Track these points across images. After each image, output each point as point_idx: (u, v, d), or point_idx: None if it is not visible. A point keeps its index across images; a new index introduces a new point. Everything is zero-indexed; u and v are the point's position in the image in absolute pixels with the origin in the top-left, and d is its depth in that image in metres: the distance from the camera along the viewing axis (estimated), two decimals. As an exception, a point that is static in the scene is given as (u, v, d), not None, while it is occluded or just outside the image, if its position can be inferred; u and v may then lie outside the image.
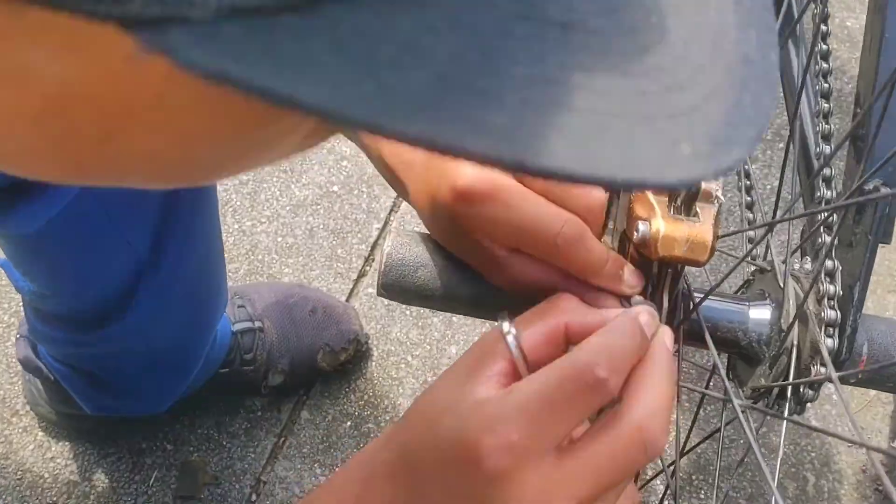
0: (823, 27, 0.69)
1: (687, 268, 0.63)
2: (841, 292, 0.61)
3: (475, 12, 0.20)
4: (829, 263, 0.61)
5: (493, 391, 0.41)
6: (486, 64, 0.20)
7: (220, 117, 0.23)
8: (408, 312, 1.18)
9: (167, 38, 0.18)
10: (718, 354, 0.70)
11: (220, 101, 0.21)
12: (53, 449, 1.07)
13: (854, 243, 0.62)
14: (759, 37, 0.26)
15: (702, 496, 1.06)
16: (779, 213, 0.69)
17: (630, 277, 0.50)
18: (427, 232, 0.56)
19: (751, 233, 0.73)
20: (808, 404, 0.63)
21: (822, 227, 0.64)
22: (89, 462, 1.06)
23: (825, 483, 1.10)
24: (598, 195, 0.51)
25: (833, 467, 1.11)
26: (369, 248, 1.24)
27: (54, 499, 1.04)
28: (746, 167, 0.76)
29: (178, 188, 0.74)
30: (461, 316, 0.91)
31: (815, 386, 0.60)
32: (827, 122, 0.67)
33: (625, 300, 0.51)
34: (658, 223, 0.50)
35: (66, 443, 1.07)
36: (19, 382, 1.09)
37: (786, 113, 0.69)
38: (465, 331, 1.18)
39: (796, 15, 0.71)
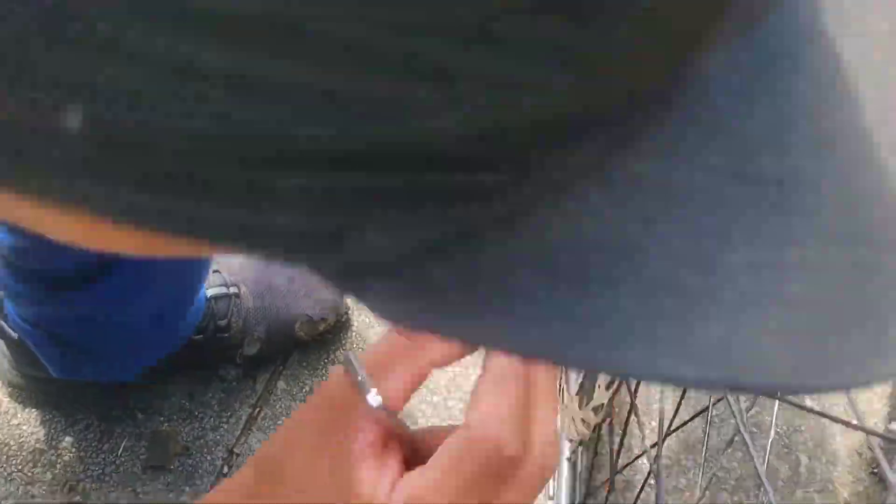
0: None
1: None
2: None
3: (691, 179, 0.18)
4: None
5: (377, 478, 0.37)
6: (699, 254, 0.18)
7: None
8: (391, 282, 1.15)
9: (365, 289, 0.17)
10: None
11: None
12: (20, 416, 1.04)
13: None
14: None
15: (690, 476, 1.03)
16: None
17: None
18: None
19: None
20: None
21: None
22: (56, 430, 1.02)
23: (818, 465, 1.07)
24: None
25: (827, 449, 1.08)
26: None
27: (20, 466, 1.00)
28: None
29: None
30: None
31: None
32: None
33: None
34: None
35: (33, 410, 1.04)
36: (-15, 347, 1.05)
37: None
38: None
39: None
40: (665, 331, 0.18)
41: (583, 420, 0.54)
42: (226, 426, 1.04)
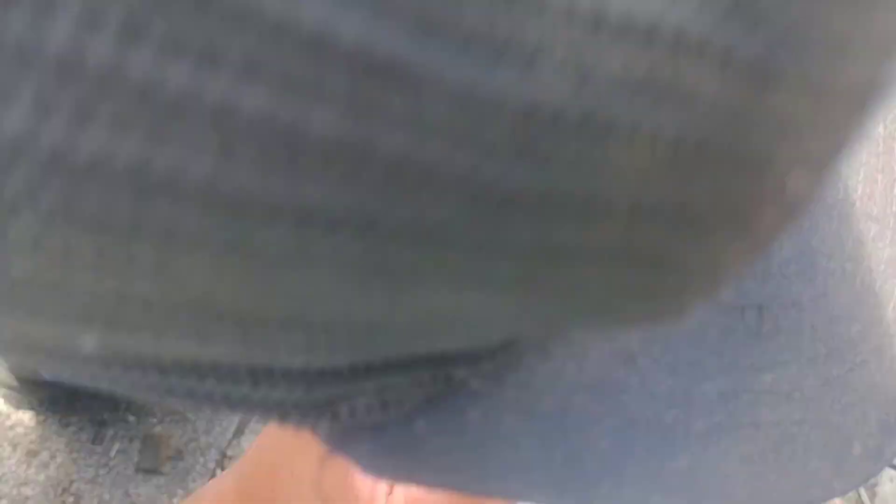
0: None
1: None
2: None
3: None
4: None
5: (378, 495, 0.38)
6: (676, 388, 0.19)
7: None
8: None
9: (352, 447, 0.18)
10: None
11: None
12: (13, 417, 1.04)
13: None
14: None
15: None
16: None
17: None
18: None
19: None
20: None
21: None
22: (49, 431, 1.03)
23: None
24: None
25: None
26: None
27: (13, 468, 1.01)
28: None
29: None
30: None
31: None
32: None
33: None
34: None
35: (27, 412, 1.04)
36: (-20, 348, 1.06)
37: None
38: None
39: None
40: (635, 466, 0.18)
41: None
42: (218, 428, 1.05)
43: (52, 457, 1.02)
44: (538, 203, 0.11)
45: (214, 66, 0.09)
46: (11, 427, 1.03)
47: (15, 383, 1.02)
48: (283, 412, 0.17)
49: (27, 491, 0.99)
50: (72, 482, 1.00)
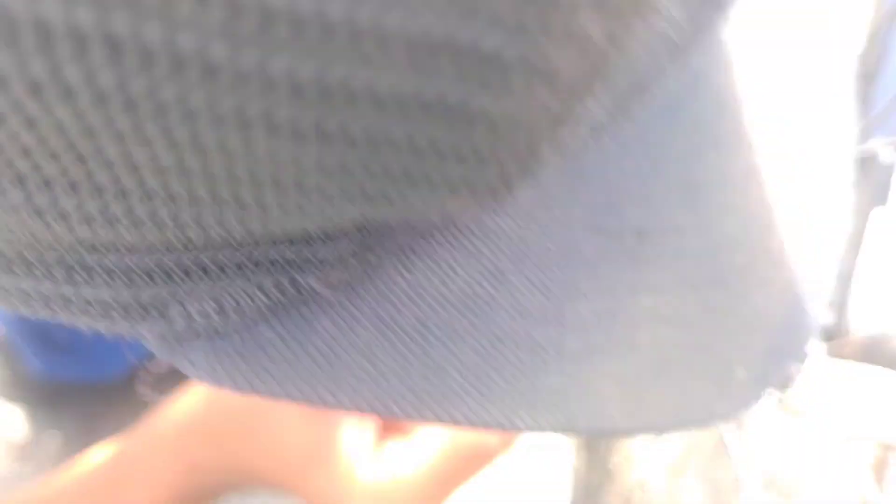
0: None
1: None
2: (832, 260, 0.57)
3: (546, 235, 0.19)
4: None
5: (358, 439, 0.39)
6: (548, 307, 0.19)
7: None
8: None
9: (186, 354, 0.17)
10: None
11: None
12: (4, 412, 1.03)
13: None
14: (836, 211, 0.24)
15: (688, 478, 1.03)
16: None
17: None
18: None
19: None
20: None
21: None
22: (42, 427, 1.02)
23: (816, 468, 1.07)
24: None
25: (826, 453, 1.08)
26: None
27: (6, 462, 1.00)
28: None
29: None
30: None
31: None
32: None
33: None
34: None
35: (19, 408, 1.04)
36: (-28, 344, 1.05)
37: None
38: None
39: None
40: (503, 383, 0.18)
41: None
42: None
43: (45, 451, 1.01)
44: (317, 36, 0.11)
45: None
46: (2, 423, 1.03)
47: (5, 378, 1.02)
48: (108, 317, 0.16)
49: (19, 484, 0.99)
50: (65, 480, 1.00)
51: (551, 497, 0.90)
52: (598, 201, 0.20)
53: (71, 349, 0.95)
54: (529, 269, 0.19)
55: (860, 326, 0.59)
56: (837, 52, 0.25)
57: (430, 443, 0.38)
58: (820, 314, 0.23)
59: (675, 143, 0.21)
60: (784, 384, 0.21)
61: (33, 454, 0.99)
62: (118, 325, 0.17)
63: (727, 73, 0.22)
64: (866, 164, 0.57)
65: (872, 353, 0.60)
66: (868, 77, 0.58)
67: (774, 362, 0.22)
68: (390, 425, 0.40)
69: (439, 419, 0.18)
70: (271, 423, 0.40)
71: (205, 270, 0.16)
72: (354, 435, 0.38)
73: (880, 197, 0.56)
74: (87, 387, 1.03)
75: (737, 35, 0.22)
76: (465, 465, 0.38)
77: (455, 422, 0.18)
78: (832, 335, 0.58)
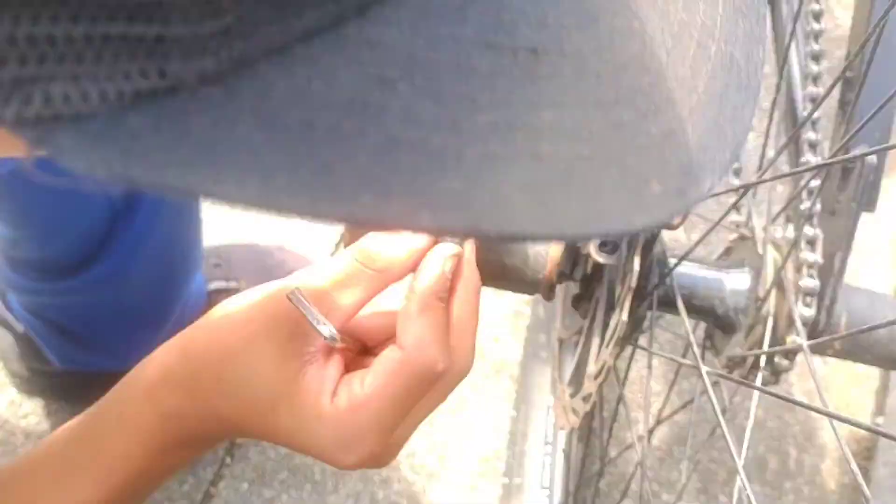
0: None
1: (666, 233, 0.61)
2: (821, 261, 0.59)
3: (435, 49, 0.19)
4: (809, 231, 0.59)
5: (322, 379, 0.41)
6: (443, 116, 0.19)
7: None
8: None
9: (54, 138, 0.16)
10: (696, 322, 0.68)
11: None
12: (26, 406, 1.06)
13: (837, 211, 0.60)
14: (748, 29, 0.24)
15: (681, 468, 1.05)
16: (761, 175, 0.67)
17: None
18: None
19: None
20: (785, 374, 0.62)
21: (805, 193, 0.61)
22: (62, 420, 1.04)
23: (807, 457, 1.09)
24: None
25: (816, 442, 1.10)
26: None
27: (26, 456, 1.02)
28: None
29: None
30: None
31: (790, 356, 0.59)
32: (817, 64, 0.64)
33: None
34: None
35: (40, 400, 1.06)
36: (-8, 339, 1.07)
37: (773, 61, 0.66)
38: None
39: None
40: (401, 183, 0.18)
41: (573, 409, 0.56)
42: (227, 417, 1.06)
43: (65, 445, 1.03)
44: None
45: None
46: (24, 416, 1.05)
47: (26, 373, 1.04)
48: None
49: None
50: (84, 470, 1.02)
51: (546, 485, 0.92)
52: (488, 20, 0.19)
53: (89, 343, 0.96)
54: (419, 79, 0.19)
55: (846, 325, 0.60)
56: None
57: (382, 367, 0.40)
58: (743, 139, 0.23)
59: None
60: (700, 199, 0.22)
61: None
62: None
63: None
64: (854, 170, 0.58)
65: (858, 350, 0.62)
66: (854, 84, 0.60)
67: (691, 178, 0.22)
68: (351, 361, 0.42)
69: (336, 215, 0.18)
70: (239, 368, 0.41)
71: (62, 55, 0.16)
72: (318, 372, 0.40)
73: (868, 202, 0.58)
74: (105, 379, 1.04)
75: None
76: (417, 386, 0.40)
77: (353, 217, 0.18)
78: (820, 333, 0.60)
